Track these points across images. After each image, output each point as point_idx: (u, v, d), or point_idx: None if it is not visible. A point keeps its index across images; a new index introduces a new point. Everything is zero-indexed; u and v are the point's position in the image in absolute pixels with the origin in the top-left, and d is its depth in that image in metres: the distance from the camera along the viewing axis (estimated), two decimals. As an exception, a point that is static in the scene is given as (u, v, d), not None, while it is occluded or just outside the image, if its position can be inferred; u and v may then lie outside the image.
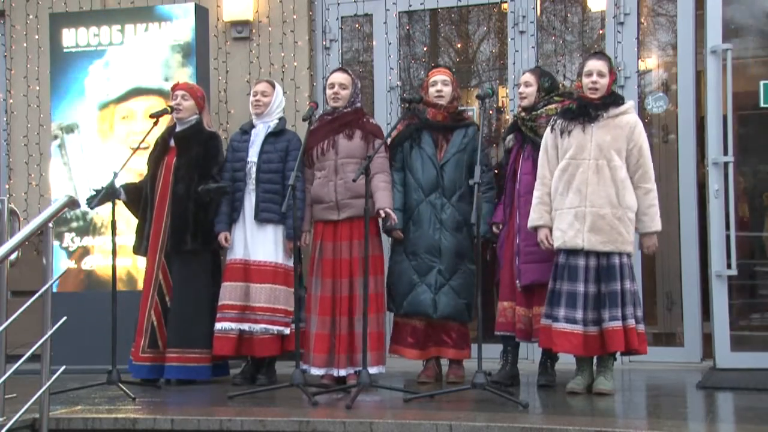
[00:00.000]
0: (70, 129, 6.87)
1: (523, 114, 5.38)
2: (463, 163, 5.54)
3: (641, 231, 5.03)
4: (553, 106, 5.31)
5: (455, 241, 5.49)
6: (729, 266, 5.87)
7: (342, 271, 5.48)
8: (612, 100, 5.04)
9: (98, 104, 6.84)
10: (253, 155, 5.71)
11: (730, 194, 5.87)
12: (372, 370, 5.29)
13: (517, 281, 5.27)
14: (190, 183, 5.76)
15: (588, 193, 4.93)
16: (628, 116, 5.02)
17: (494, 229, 5.47)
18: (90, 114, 6.87)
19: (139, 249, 5.91)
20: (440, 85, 5.57)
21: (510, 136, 5.47)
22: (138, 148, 5.73)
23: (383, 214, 5.35)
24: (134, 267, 6.56)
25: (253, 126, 5.84)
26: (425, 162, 5.55)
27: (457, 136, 5.57)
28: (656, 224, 5.02)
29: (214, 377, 5.82)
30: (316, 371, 5.44)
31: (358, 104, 5.69)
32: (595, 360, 5.14)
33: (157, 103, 6.55)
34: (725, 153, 5.90)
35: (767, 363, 5.81)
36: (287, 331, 5.56)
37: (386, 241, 5.81)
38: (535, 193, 5.11)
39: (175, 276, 5.77)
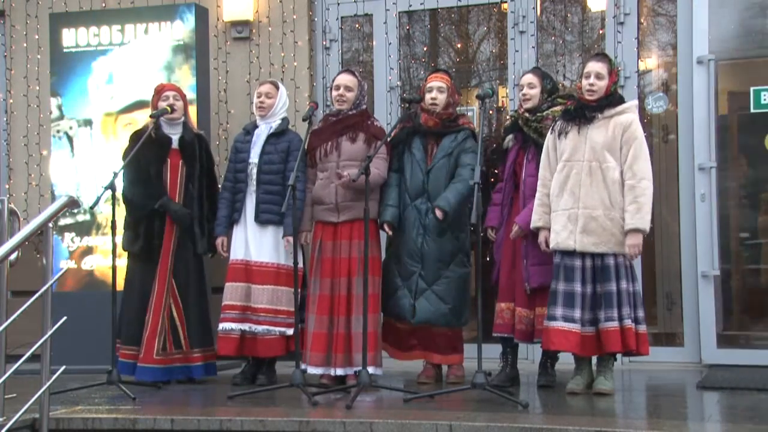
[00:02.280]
0: (85, 123, 6.88)
1: (527, 115, 5.34)
2: (449, 166, 5.48)
3: (625, 228, 4.89)
4: (558, 108, 5.28)
5: (437, 247, 5.44)
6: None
7: (340, 270, 5.48)
8: (609, 101, 5.03)
9: (102, 111, 6.84)
10: (254, 156, 5.72)
11: (714, 198, 6.17)
12: (369, 371, 5.29)
13: (526, 284, 5.24)
14: (202, 186, 5.84)
15: (581, 194, 4.93)
16: (624, 116, 5.00)
17: (490, 232, 5.45)
18: (94, 113, 6.87)
19: (133, 245, 5.81)
20: (435, 92, 5.53)
21: (510, 137, 5.44)
22: (137, 148, 5.73)
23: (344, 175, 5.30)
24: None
25: (255, 126, 5.84)
26: (414, 167, 5.53)
27: (446, 141, 5.53)
28: (637, 221, 4.83)
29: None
30: (313, 370, 5.44)
31: (363, 106, 5.69)
32: (594, 360, 5.14)
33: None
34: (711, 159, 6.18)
35: (755, 360, 6.02)
36: (290, 331, 5.54)
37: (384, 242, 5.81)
38: (536, 195, 5.11)
39: (185, 278, 5.81)
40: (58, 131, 6.95)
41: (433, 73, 5.69)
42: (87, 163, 6.85)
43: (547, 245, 5.06)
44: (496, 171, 5.85)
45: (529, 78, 5.41)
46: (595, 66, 5.03)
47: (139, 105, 6.72)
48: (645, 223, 4.86)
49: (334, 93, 5.61)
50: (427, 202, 5.48)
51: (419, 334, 5.57)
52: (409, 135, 5.60)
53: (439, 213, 5.36)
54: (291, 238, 5.50)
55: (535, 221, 5.10)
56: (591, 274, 4.94)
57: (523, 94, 5.38)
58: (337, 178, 5.37)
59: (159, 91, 5.95)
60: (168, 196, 5.76)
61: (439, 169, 5.48)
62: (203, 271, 5.96)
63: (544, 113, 5.30)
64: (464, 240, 5.48)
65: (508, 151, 5.44)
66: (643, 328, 4.98)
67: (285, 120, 5.84)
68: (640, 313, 4.98)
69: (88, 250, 6.81)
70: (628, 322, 4.89)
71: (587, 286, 4.94)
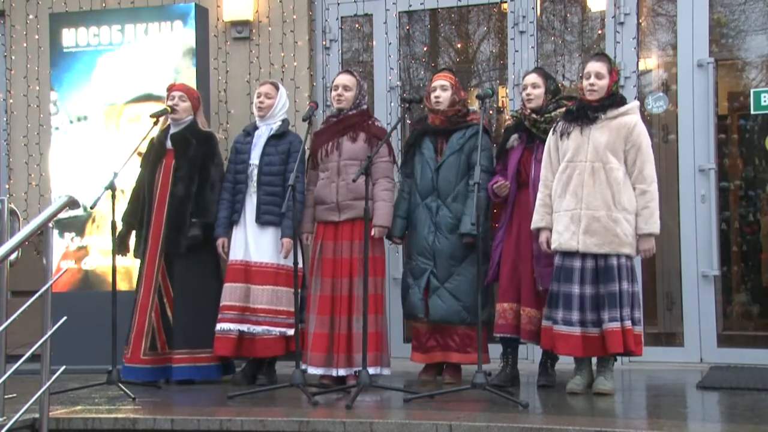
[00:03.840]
0: (80, 118, 6.89)
1: (535, 116, 5.33)
2: (459, 163, 5.51)
3: (638, 233, 4.97)
4: (564, 109, 5.28)
5: (449, 244, 5.47)
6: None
7: (342, 271, 5.48)
8: (611, 101, 5.03)
9: (105, 104, 6.84)
10: (254, 158, 5.71)
11: (713, 199, 6.24)
12: (375, 371, 5.30)
13: (539, 286, 5.22)
14: (189, 184, 5.78)
15: (584, 195, 4.92)
16: (627, 117, 5.00)
17: (494, 190, 5.33)
18: (94, 110, 6.87)
19: (137, 252, 5.91)
20: (438, 90, 5.56)
21: (515, 136, 5.43)
22: (138, 148, 5.75)
23: (374, 233, 5.32)
24: (134, 267, 6.54)
25: (256, 128, 5.83)
26: (423, 166, 5.56)
27: (455, 138, 5.56)
28: (650, 226, 4.93)
29: (223, 376, 5.87)
30: (314, 371, 5.44)
31: (364, 106, 5.70)
32: (594, 360, 5.14)
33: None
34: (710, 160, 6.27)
35: (755, 360, 6.06)
36: (290, 332, 5.53)
37: (388, 242, 5.81)
38: (538, 195, 5.11)
39: (178, 277, 5.78)
40: (56, 128, 6.94)
41: (437, 73, 5.72)
42: (85, 159, 6.85)
43: (548, 246, 5.06)
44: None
45: (533, 78, 5.39)
46: (594, 66, 5.03)
47: (144, 98, 6.72)
48: (657, 227, 4.95)
49: (333, 93, 5.62)
50: (437, 200, 5.50)
51: (438, 334, 5.56)
52: (419, 136, 5.61)
53: (468, 240, 5.39)
54: (288, 241, 5.50)
55: (537, 222, 5.09)
56: (592, 275, 4.93)
57: (527, 94, 5.37)
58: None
59: (168, 90, 5.97)
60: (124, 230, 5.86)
61: (449, 165, 5.50)
62: (210, 271, 5.89)
63: (552, 114, 5.28)
64: (477, 240, 5.45)
65: (511, 150, 5.42)
66: (639, 328, 4.98)
67: (285, 121, 5.83)
68: (637, 314, 4.98)
69: (87, 250, 6.81)
70: (628, 323, 4.90)
71: (587, 287, 4.93)
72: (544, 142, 5.23)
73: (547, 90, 5.37)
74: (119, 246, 5.78)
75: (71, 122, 6.89)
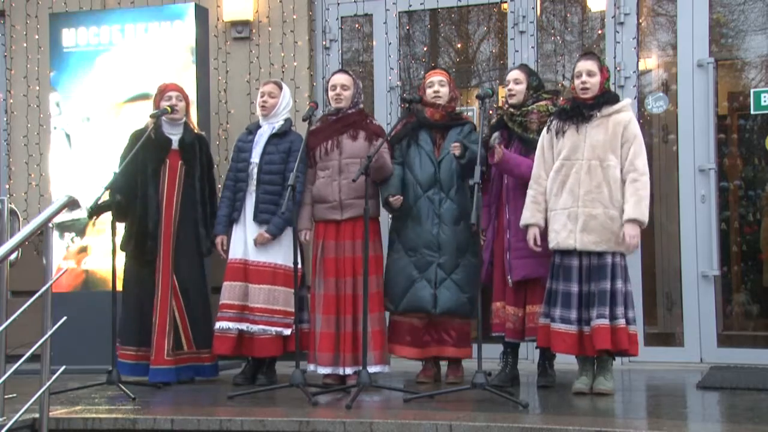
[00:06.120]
0: (84, 120, 6.89)
1: (512, 110, 5.37)
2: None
3: (624, 218, 4.88)
4: (543, 102, 5.33)
5: (454, 235, 5.47)
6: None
7: (345, 270, 5.48)
8: (605, 99, 5.04)
9: (103, 104, 6.85)
10: (255, 156, 5.71)
11: (713, 199, 6.23)
12: (375, 369, 5.30)
13: (509, 277, 5.26)
14: (205, 185, 5.86)
15: (581, 193, 4.93)
16: (621, 114, 5.01)
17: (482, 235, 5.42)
18: (93, 109, 6.88)
19: (141, 248, 5.82)
20: (437, 86, 5.58)
21: (496, 134, 5.44)
22: (137, 148, 5.74)
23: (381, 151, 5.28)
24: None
25: (258, 126, 5.84)
26: (423, 159, 5.56)
27: (453, 133, 5.58)
28: (637, 212, 4.83)
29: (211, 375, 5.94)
30: (322, 370, 5.44)
31: (361, 105, 5.71)
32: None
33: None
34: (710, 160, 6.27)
35: (755, 360, 6.08)
36: (287, 332, 5.54)
37: (386, 240, 5.82)
38: (529, 192, 5.11)
39: (192, 277, 5.83)
40: (62, 129, 6.94)
41: (432, 70, 5.75)
42: (85, 160, 6.86)
43: (536, 243, 5.06)
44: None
45: (516, 74, 5.44)
46: (585, 64, 5.05)
47: (141, 97, 6.71)
48: (644, 215, 4.88)
49: (331, 93, 5.62)
50: (440, 192, 5.51)
51: (433, 329, 5.56)
52: (415, 129, 5.62)
53: (458, 146, 5.34)
54: (265, 234, 5.55)
55: (527, 218, 5.09)
56: (587, 273, 4.94)
57: (509, 90, 5.41)
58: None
59: (162, 91, 5.94)
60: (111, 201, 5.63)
61: (450, 160, 5.51)
62: (205, 271, 5.98)
63: (529, 108, 5.33)
64: (477, 239, 5.47)
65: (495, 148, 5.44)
66: (633, 328, 4.97)
67: (288, 121, 5.83)
68: (631, 314, 4.97)
69: (86, 249, 6.81)
70: (622, 322, 4.89)
71: (583, 285, 4.94)
72: (519, 137, 5.27)
73: (528, 86, 5.40)
74: (95, 209, 5.54)
75: (77, 122, 6.90)
